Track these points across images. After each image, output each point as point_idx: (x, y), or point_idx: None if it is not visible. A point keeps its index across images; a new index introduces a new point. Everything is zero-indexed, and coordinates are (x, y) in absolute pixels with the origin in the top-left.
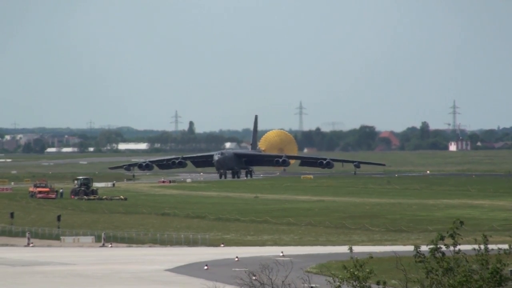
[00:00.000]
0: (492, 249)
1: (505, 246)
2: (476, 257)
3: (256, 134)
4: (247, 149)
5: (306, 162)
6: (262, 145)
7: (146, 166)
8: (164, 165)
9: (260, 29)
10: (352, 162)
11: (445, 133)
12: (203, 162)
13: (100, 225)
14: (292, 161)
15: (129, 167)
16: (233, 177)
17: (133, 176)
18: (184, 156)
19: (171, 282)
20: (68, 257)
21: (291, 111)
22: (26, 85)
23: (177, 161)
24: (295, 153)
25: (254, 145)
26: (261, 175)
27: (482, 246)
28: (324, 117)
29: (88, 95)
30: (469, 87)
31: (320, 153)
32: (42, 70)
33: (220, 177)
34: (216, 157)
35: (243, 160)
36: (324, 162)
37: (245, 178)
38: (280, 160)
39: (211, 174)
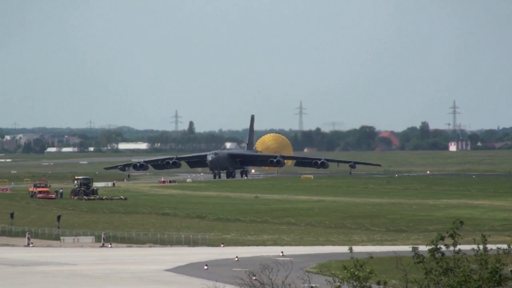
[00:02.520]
0: (491, 249)
1: (505, 246)
2: (475, 257)
3: (252, 134)
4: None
5: (301, 162)
6: (258, 147)
7: (141, 166)
8: (159, 165)
9: (260, 29)
10: (348, 162)
11: (445, 133)
12: (197, 162)
13: (100, 225)
14: (288, 162)
15: (124, 167)
16: (227, 177)
17: (128, 176)
18: (179, 156)
19: (171, 282)
20: (68, 257)
21: (291, 111)
22: (26, 85)
23: (171, 161)
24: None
25: (250, 145)
26: (261, 175)
27: (481, 246)
28: (324, 117)
29: (88, 95)
30: (469, 87)
31: (320, 153)
32: (42, 70)
33: (215, 177)
34: (209, 157)
35: (237, 160)
36: (319, 162)
37: (241, 178)
38: (275, 160)
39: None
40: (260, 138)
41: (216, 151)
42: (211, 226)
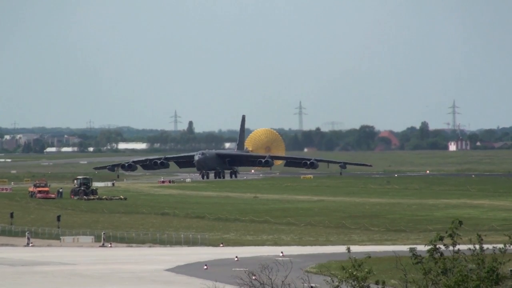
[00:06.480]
0: (488, 248)
1: (502, 246)
2: (472, 257)
3: (243, 134)
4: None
5: (291, 162)
6: (248, 144)
7: (129, 167)
8: (147, 165)
9: (260, 29)
10: (338, 162)
11: (445, 133)
12: (186, 162)
13: (100, 225)
14: (278, 162)
15: (113, 167)
16: (215, 177)
17: (118, 176)
18: (167, 156)
19: (171, 282)
20: (68, 257)
21: (291, 111)
22: (26, 85)
23: (159, 162)
24: (282, 152)
25: (240, 145)
26: (261, 174)
27: (477, 246)
28: (324, 117)
29: (88, 95)
30: (469, 87)
31: (320, 152)
32: (42, 70)
33: (203, 177)
34: (196, 157)
35: (226, 160)
36: (308, 162)
37: (230, 178)
38: (263, 160)
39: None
40: (250, 134)
41: (203, 151)
42: (211, 226)
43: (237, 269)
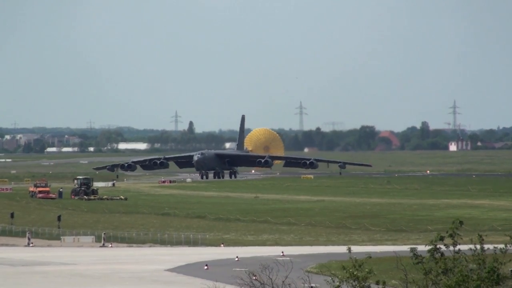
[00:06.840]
0: (488, 248)
1: (502, 246)
2: (473, 257)
3: (243, 134)
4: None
5: (290, 162)
6: (247, 144)
7: (129, 167)
8: (147, 165)
9: (260, 29)
10: (337, 162)
11: (445, 133)
12: (185, 162)
13: (100, 225)
14: (278, 162)
15: (112, 167)
16: (214, 177)
17: (117, 176)
18: (166, 156)
19: (171, 282)
20: (68, 257)
21: (291, 111)
22: (26, 85)
23: (158, 162)
24: (281, 151)
25: (240, 145)
26: (261, 174)
27: (478, 246)
28: (324, 117)
29: (88, 95)
30: (469, 87)
31: (320, 152)
32: (42, 70)
33: (202, 177)
34: (195, 158)
35: (225, 160)
36: (308, 162)
37: (230, 179)
38: (263, 160)
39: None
40: (248, 134)
41: (202, 151)
42: (211, 226)
43: (238, 269)
